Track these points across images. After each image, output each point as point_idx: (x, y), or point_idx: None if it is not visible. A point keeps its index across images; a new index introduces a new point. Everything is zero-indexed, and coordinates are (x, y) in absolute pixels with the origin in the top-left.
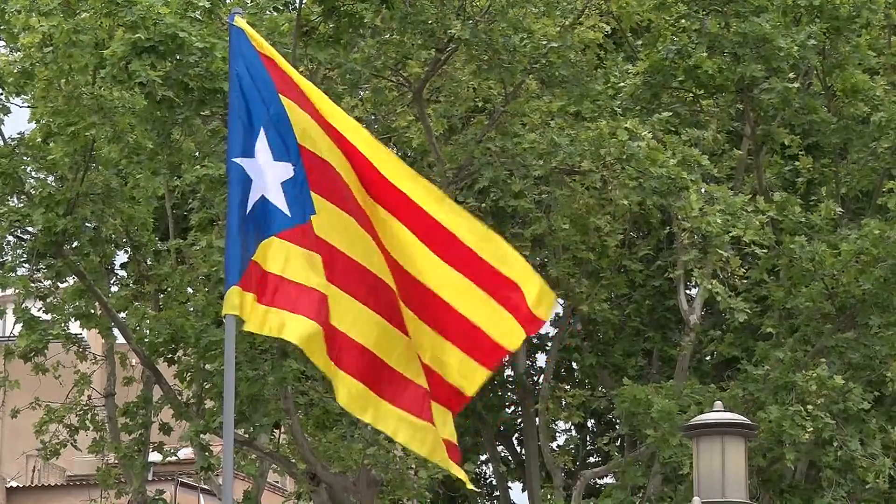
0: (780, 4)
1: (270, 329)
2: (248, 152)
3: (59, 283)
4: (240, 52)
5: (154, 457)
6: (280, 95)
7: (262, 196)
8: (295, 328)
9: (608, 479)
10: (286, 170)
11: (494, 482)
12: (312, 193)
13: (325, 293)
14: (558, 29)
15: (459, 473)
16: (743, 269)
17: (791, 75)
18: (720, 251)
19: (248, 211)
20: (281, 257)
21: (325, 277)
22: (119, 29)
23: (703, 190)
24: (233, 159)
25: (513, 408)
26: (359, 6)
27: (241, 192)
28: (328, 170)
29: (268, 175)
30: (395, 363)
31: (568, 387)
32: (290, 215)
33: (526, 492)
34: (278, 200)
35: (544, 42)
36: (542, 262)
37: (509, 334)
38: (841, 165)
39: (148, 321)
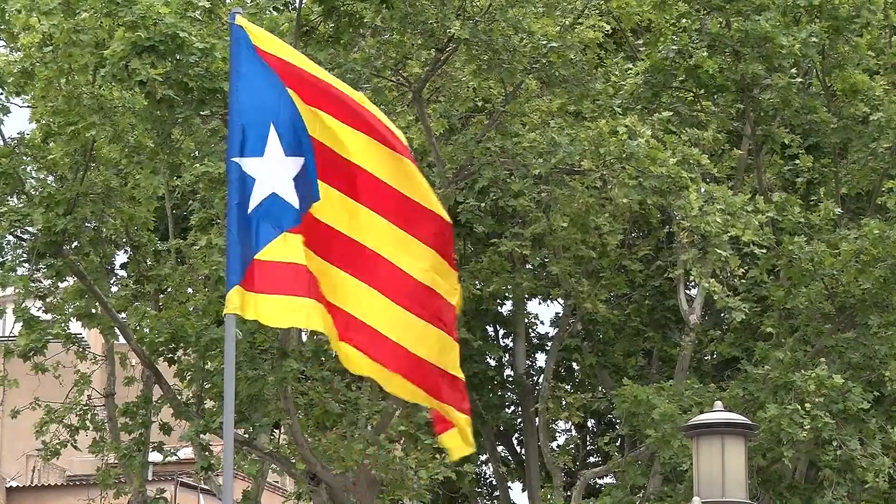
0: (780, 4)
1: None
2: (256, 151)
3: (59, 283)
4: (241, 52)
5: (154, 457)
6: (287, 89)
7: (273, 193)
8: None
9: (608, 479)
10: (297, 164)
11: (494, 482)
12: (319, 181)
13: (318, 276)
14: (558, 29)
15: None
16: (742, 269)
17: (793, 71)
18: (719, 250)
19: (250, 209)
20: (294, 250)
21: (319, 260)
22: (119, 28)
23: (702, 190)
24: (232, 159)
25: (513, 408)
26: (359, 6)
27: (240, 191)
28: (336, 159)
29: (279, 172)
30: (405, 343)
31: (568, 387)
32: (298, 209)
33: (526, 492)
34: (290, 196)
35: (544, 42)
36: (543, 261)
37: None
38: (841, 165)
39: (148, 321)
